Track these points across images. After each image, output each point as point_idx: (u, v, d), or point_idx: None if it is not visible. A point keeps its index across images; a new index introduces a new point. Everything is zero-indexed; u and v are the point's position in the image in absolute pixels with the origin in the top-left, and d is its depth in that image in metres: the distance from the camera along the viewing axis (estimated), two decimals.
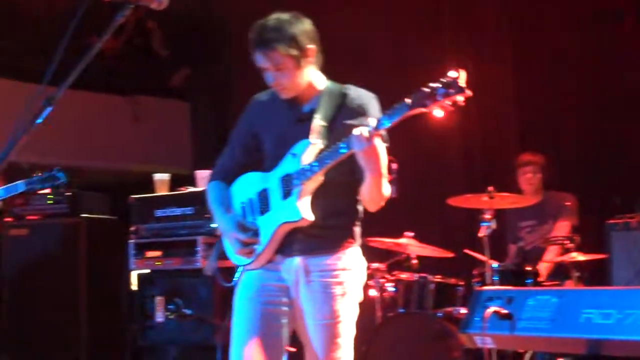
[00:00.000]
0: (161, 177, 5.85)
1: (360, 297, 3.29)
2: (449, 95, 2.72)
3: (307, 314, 3.21)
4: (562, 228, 5.84)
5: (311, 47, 3.18)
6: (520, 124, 6.91)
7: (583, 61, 6.65)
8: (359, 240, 3.31)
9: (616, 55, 6.47)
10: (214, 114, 9.25)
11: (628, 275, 5.30)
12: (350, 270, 3.22)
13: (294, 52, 3.13)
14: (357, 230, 3.30)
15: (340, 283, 3.19)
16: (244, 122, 3.41)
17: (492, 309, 2.78)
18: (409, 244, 5.66)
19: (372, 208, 3.22)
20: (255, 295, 3.26)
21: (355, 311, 3.26)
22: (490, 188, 5.24)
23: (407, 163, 5.28)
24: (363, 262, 3.31)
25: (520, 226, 6.07)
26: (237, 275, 3.31)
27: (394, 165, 5.17)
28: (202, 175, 5.60)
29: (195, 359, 5.45)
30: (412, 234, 5.68)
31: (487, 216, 5.15)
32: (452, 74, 2.74)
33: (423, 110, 2.78)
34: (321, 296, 3.18)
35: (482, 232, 5.14)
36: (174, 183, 5.87)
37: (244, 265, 3.28)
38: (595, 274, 5.51)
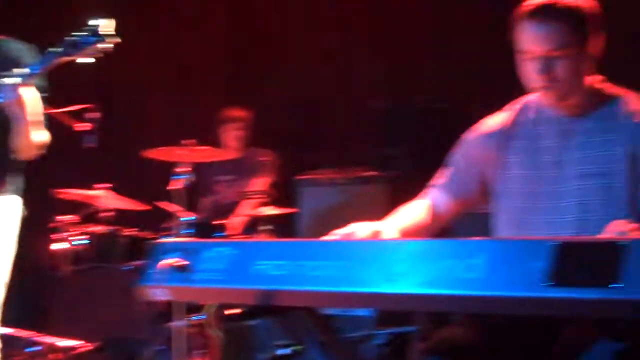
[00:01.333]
0: None
1: (10, 244, 3.26)
2: (91, 43, 2.86)
3: None
4: (260, 183, 5.84)
5: None
6: (224, 78, 6.83)
7: (289, 27, 6.71)
8: (9, 188, 3.30)
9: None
10: None
11: (314, 229, 5.39)
12: None
13: None
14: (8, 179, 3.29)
15: None
16: None
17: (168, 261, 2.63)
18: (102, 196, 5.38)
19: (26, 156, 3.25)
20: None
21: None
22: (188, 141, 5.08)
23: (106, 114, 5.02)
24: (12, 211, 3.28)
25: (217, 180, 5.99)
26: None
27: (95, 115, 4.90)
28: None
29: None
30: (108, 185, 5.41)
31: (182, 169, 4.98)
32: (95, 22, 2.85)
33: (69, 58, 2.89)
34: None
35: (175, 185, 4.95)
36: None
37: None
38: (287, 228, 5.57)
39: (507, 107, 2.70)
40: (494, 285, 1.79)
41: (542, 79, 2.46)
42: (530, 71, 2.48)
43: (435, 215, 2.69)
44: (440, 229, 2.73)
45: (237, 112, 6.04)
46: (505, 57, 2.56)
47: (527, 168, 2.57)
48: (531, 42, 2.44)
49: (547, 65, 2.43)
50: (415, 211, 2.67)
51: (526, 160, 2.58)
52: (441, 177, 2.74)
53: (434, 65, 6.18)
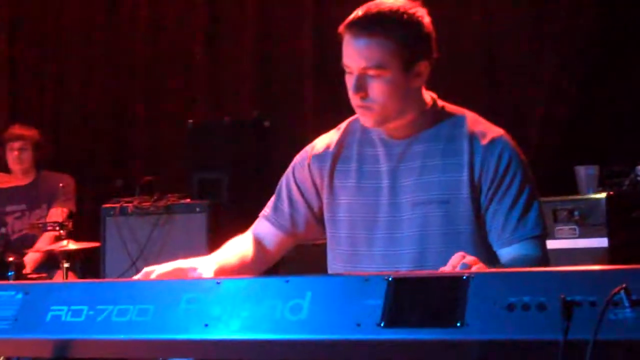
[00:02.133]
0: None
1: None
2: None
3: None
4: (56, 213, 5.65)
5: None
6: (10, 94, 6.62)
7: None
8: None
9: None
10: None
11: (123, 265, 5.27)
12: None
13: None
14: None
15: None
16: None
17: None
18: None
19: None
20: None
21: None
22: None
23: None
24: None
25: (6, 211, 5.77)
26: None
27: None
28: None
29: None
30: None
31: None
32: None
33: None
34: None
35: None
36: None
37: None
38: (91, 264, 5.44)
39: (337, 126, 2.64)
40: (322, 327, 1.78)
41: (357, 98, 2.40)
42: (348, 88, 2.43)
43: (260, 249, 2.62)
44: (269, 264, 2.68)
45: (19, 130, 5.82)
46: (339, 73, 2.47)
47: (357, 195, 2.52)
48: (347, 57, 2.39)
49: (360, 85, 2.38)
50: (239, 246, 2.59)
51: (354, 186, 2.53)
52: (269, 206, 2.67)
53: (256, 82, 6.22)
